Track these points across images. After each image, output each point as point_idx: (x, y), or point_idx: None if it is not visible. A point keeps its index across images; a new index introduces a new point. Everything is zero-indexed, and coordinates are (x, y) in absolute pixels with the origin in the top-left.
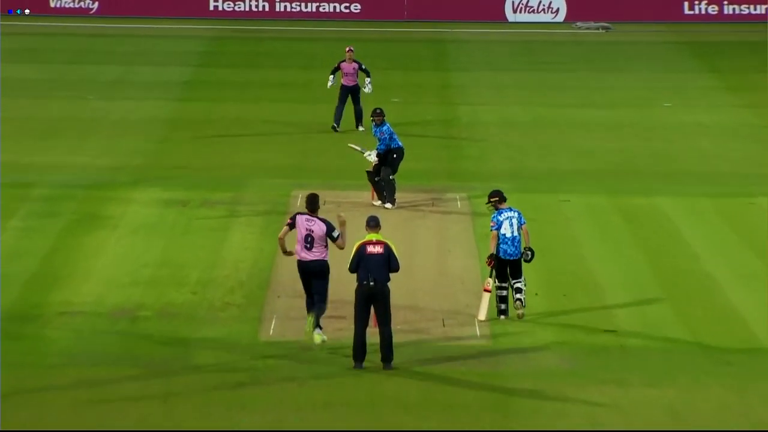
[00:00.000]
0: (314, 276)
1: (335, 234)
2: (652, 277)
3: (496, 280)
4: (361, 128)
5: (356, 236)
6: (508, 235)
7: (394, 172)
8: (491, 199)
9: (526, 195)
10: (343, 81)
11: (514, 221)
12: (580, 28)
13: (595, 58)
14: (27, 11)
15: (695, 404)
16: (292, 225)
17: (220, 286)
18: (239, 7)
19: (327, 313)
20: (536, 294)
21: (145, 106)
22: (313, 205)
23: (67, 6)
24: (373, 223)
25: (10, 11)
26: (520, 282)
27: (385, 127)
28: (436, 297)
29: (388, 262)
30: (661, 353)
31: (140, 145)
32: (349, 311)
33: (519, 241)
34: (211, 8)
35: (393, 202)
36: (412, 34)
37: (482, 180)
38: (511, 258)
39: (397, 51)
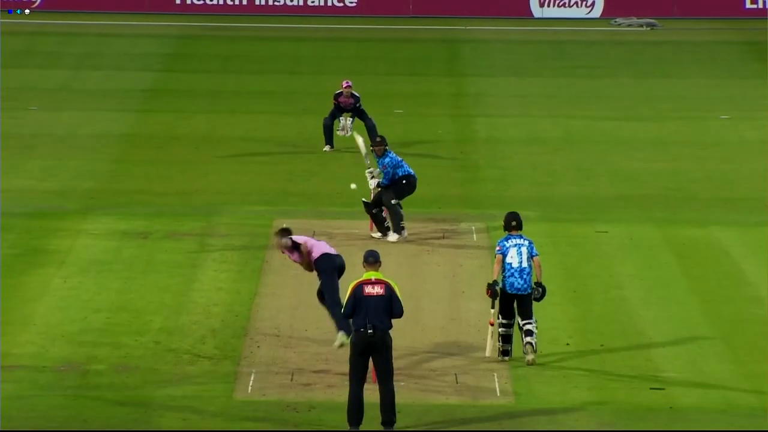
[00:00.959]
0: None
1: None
2: (708, 324)
3: (500, 316)
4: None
5: (353, 275)
6: (515, 265)
7: (399, 198)
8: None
9: (557, 225)
10: (341, 102)
11: (524, 250)
12: (620, 25)
13: (638, 61)
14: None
15: None
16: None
17: (188, 335)
18: (211, 1)
19: (317, 366)
20: (567, 344)
21: (98, 118)
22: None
23: None
24: (372, 259)
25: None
26: (531, 323)
27: (387, 159)
28: (447, 347)
29: (389, 305)
30: (718, 415)
31: (91, 166)
32: (343, 366)
33: (529, 274)
34: (178, 1)
35: (400, 231)
36: (420, 32)
37: (503, 207)
38: (519, 293)
39: (401, 53)
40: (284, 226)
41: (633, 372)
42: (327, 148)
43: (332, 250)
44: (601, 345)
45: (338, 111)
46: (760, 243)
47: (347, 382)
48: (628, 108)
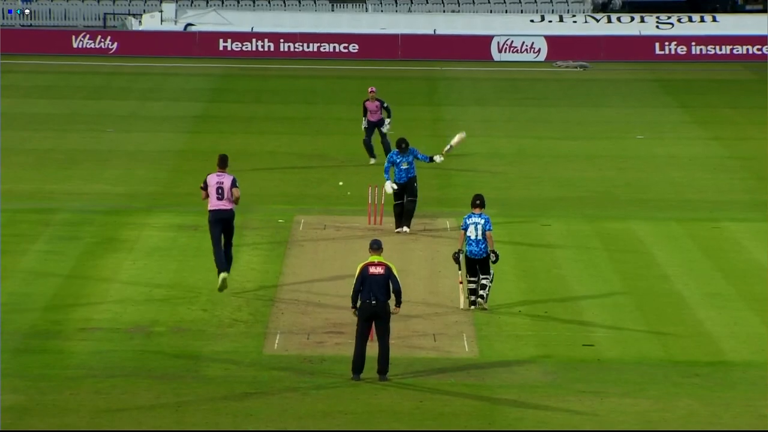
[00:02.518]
0: (226, 222)
1: (237, 184)
2: (628, 296)
3: (467, 275)
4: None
5: (354, 258)
6: (473, 237)
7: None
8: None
9: (512, 220)
10: (369, 117)
11: (479, 227)
12: (560, 66)
13: (574, 94)
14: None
15: (666, 412)
16: (205, 186)
17: (228, 305)
18: (246, 47)
19: (327, 328)
20: (519, 311)
21: (159, 138)
22: (223, 162)
23: (88, 47)
24: (376, 246)
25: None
26: (487, 278)
27: (412, 150)
28: (427, 314)
29: (388, 282)
30: (635, 366)
31: (154, 174)
32: (348, 329)
33: (484, 243)
34: (221, 48)
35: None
36: (406, 72)
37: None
38: (476, 257)
39: (392, 87)
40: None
41: (569, 333)
42: (372, 161)
43: (220, 205)
44: (545, 312)
45: (370, 127)
46: (667, 234)
47: (352, 341)
48: (567, 130)
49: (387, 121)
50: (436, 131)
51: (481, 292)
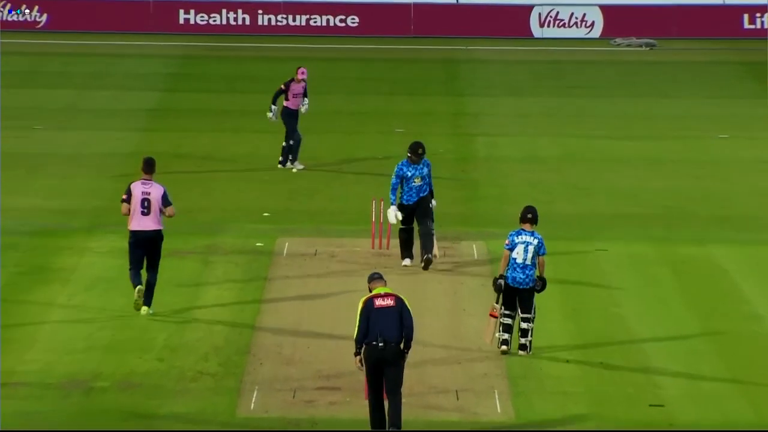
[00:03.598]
0: (151, 245)
1: (170, 198)
2: (706, 340)
3: (502, 307)
4: (299, 166)
5: (353, 293)
6: (519, 260)
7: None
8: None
9: (556, 243)
10: (289, 102)
11: (531, 248)
12: (619, 45)
13: (636, 81)
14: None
15: None
16: (128, 198)
17: (191, 352)
18: (214, 20)
19: (319, 383)
20: (567, 361)
21: (103, 137)
22: (149, 167)
23: (9, 19)
24: (378, 276)
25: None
26: (528, 321)
27: (427, 162)
28: (448, 364)
29: (400, 318)
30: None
31: (97, 184)
32: (346, 383)
33: (532, 270)
34: (182, 21)
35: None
36: (420, 52)
37: (503, 225)
38: (520, 287)
39: (401, 72)
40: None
41: (632, 389)
42: (296, 166)
43: (145, 223)
44: (600, 362)
45: (293, 117)
46: (758, 261)
47: (351, 399)
48: (626, 127)
49: (303, 106)
50: (457, 129)
51: (522, 341)
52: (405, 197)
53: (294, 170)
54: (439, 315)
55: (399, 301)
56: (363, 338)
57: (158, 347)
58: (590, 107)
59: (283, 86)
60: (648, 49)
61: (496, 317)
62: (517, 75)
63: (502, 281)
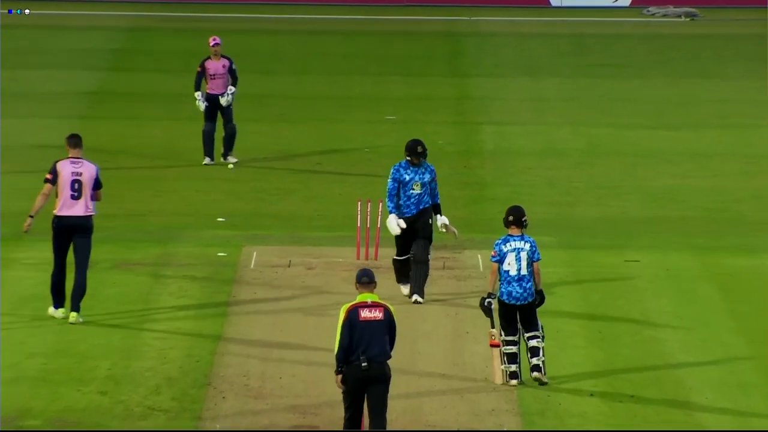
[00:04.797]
0: (80, 234)
1: (101, 180)
2: (758, 371)
3: (502, 333)
4: (231, 161)
5: (335, 310)
6: (513, 272)
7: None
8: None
9: (578, 253)
10: (209, 88)
11: (524, 255)
12: (654, 15)
13: (675, 58)
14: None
15: None
16: (53, 178)
17: (140, 385)
18: None
19: (294, 419)
20: (591, 395)
21: (34, 126)
22: (78, 142)
23: None
24: (366, 279)
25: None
26: (536, 337)
27: (430, 168)
28: (448, 398)
29: (389, 331)
30: None
31: (27, 183)
32: (325, 420)
33: (530, 281)
34: None
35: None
36: (417, 24)
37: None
38: (518, 303)
39: (394, 49)
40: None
41: (669, 428)
42: (207, 161)
43: (75, 208)
44: (632, 396)
45: (202, 79)
46: None
47: None
48: (662, 114)
49: (231, 89)
50: (460, 116)
51: (534, 361)
52: (402, 207)
53: (229, 166)
54: (437, 340)
55: (387, 313)
56: (346, 355)
57: (100, 378)
58: (619, 90)
59: (199, 68)
60: (688, 20)
61: (498, 346)
62: (531, 51)
63: (492, 300)
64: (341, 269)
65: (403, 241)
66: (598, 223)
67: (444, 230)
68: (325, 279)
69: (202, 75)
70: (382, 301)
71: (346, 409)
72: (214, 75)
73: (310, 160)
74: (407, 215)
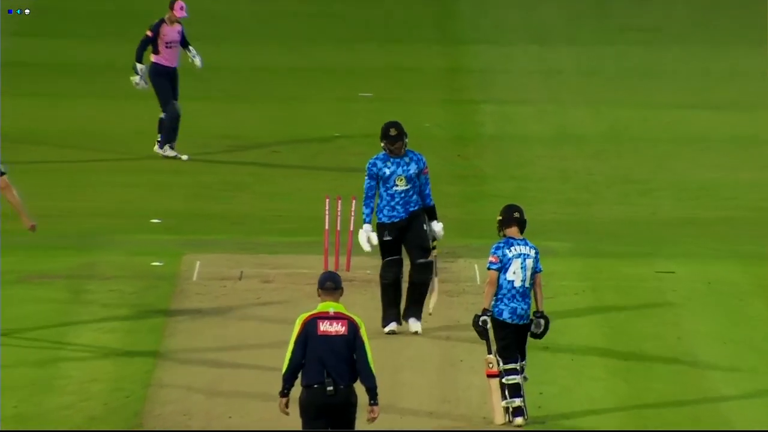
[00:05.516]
0: None
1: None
2: None
3: (500, 360)
4: (174, 154)
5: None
6: (518, 284)
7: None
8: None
9: (598, 263)
10: (158, 59)
11: (529, 263)
12: None
13: (718, 22)
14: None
15: None
16: None
17: (55, 426)
18: None
19: None
20: None
21: None
22: None
23: None
24: (331, 285)
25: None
26: (522, 371)
27: (417, 157)
28: None
29: (352, 350)
30: None
31: None
32: None
33: (530, 296)
34: None
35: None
36: None
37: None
38: (522, 322)
39: (370, 9)
40: None
41: None
42: (165, 152)
43: None
44: None
45: (165, 80)
46: None
47: None
48: (703, 91)
49: (196, 57)
50: (454, 93)
51: (517, 402)
52: (385, 211)
53: (183, 157)
54: (424, 369)
55: (352, 326)
56: (294, 374)
57: (6, 417)
58: (650, 61)
59: (149, 32)
60: None
61: (497, 376)
62: (542, 13)
63: (488, 319)
64: (305, 282)
65: (390, 248)
66: (623, 226)
67: (434, 240)
68: (285, 294)
69: (149, 43)
70: (347, 313)
71: None
72: (170, 43)
73: (265, 147)
74: (394, 220)
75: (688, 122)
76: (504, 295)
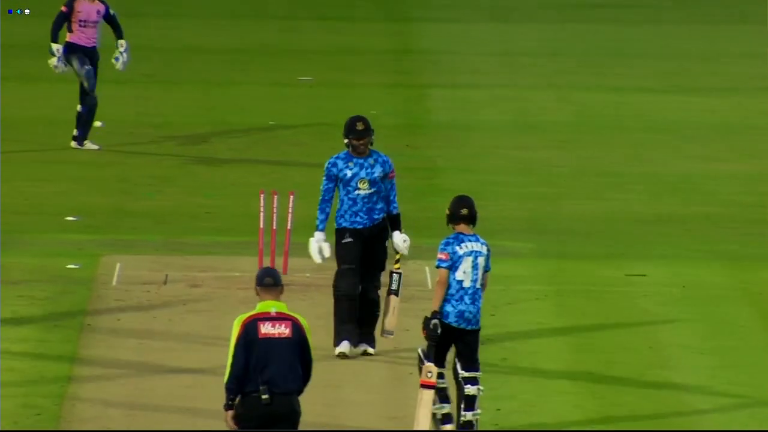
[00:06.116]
0: None
1: None
2: None
3: (439, 365)
4: (91, 146)
5: (223, 339)
6: (467, 283)
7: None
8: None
9: (562, 264)
10: (73, 39)
11: (481, 262)
12: None
13: None
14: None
15: None
16: None
17: None
18: None
19: None
20: None
21: None
22: None
23: None
24: (271, 280)
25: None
26: (476, 382)
27: (382, 159)
28: None
29: (297, 354)
30: None
31: None
32: None
33: (481, 298)
34: None
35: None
36: None
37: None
38: (470, 327)
39: None
40: None
41: None
42: (86, 145)
43: None
44: None
45: (62, 26)
46: None
47: None
48: (680, 74)
49: (123, 54)
50: (401, 76)
51: (469, 416)
52: (346, 216)
53: (95, 147)
54: (368, 383)
55: (297, 329)
56: (239, 381)
57: None
58: (621, 41)
59: (63, 8)
60: None
61: (433, 387)
62: None
63: (438, 322)
64: (238, 287)
65: (348, 253)
66: (591, 224)
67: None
68: (216, 300)
69: (65, 19)
70: (290, 313)
71: None
72: (85, 22)
73: (194, 137)
74: (357, 226)
75: (662, 108)
76: (452, 296)
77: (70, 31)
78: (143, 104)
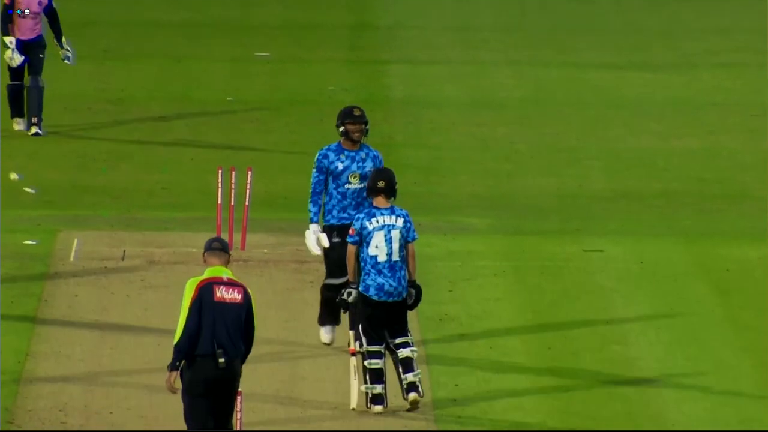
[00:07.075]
0: None
1: None
2: (765, 406)
3: (364, 340)
4: (36, 130)
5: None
6: (382, 258)
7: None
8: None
9: (521, 240)
10: (17, 31)
11: (395, 234)
12: None
13: None
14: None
15: None
16: None
17: None
18: None
19: None
20: None
21: None
22: None
23: None
24: (219, 245)
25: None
26: (408, 345)
27: (373, 153)
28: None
29: (243, 319)
30: None
31: None
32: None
33: (403, 269)
34: None
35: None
36: None
37: (433, 213)
38: (392, 299)
39: None
40: None
41: None
42: (19, 125)
43: None
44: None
45: (6, 19)
46: None
47: None
48: (637, 49)
49: (68, 50)
50: (358, 52)
51: (410, 377)
52: (334, 212)
53: (30, 132)
54: (322, 378)
55: (247, 296)
56: (190, 343)
57: None
58: (582, 16)
59: None
60: None
61: (353, 354)
62: None
63: (354, 291)
64: (195, 263)
65: (337, 257)
66: (549, 200)
67: None
68: (172, 276)
69: (9, 10)
70: (238, 280)
71: (192, 415)
72: (25, 12)
73: (151, 112)
74: (345, 222)
75: (620, 84)
76: (369, 271)
77: (11, 22)
78: (101, 80)
